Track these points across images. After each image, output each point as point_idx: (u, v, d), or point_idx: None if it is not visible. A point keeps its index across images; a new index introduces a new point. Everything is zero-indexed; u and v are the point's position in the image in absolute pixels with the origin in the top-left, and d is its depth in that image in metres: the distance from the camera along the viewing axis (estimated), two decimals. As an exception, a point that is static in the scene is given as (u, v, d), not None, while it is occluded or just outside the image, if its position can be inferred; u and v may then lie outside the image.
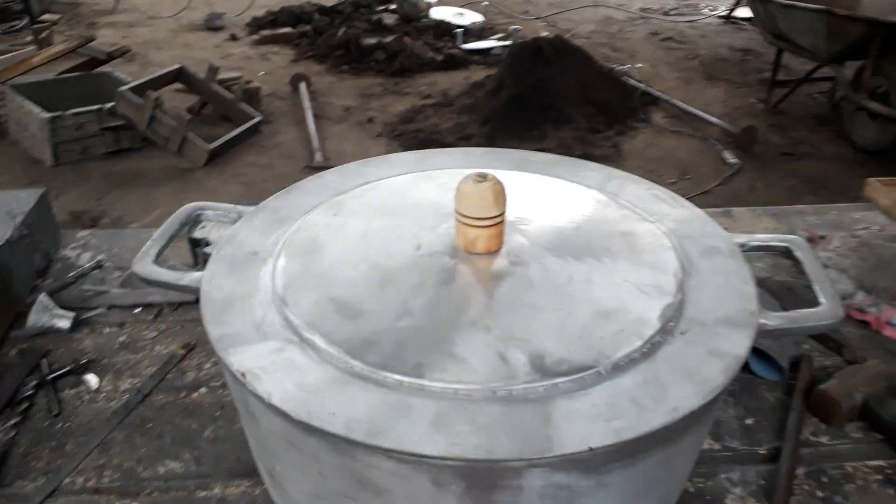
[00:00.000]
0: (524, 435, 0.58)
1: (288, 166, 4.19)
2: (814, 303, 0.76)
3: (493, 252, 0.77)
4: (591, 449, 0.57)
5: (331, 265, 0.78)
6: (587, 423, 0.59)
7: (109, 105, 4.04)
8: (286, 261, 0.78)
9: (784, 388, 1.00)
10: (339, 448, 0.61)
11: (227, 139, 4.18)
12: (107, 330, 1.10)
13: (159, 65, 5.27)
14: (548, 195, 0.91)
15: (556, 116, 4.29)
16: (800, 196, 3.66)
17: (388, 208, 0.88)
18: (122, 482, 0.86)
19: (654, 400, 0.61)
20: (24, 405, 0.95)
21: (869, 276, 1.11)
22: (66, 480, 0.86)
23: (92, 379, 1.00)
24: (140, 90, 4.06)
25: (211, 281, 0.76)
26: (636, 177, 0.97)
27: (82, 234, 1.34)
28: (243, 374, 0.63)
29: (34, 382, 0.98)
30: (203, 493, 0.85)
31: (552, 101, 4.35)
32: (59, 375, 1.00)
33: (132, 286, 1.20)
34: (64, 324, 1.07)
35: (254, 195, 3.59)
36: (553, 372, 0.63)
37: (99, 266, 1.24)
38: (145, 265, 0.81)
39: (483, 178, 0.75)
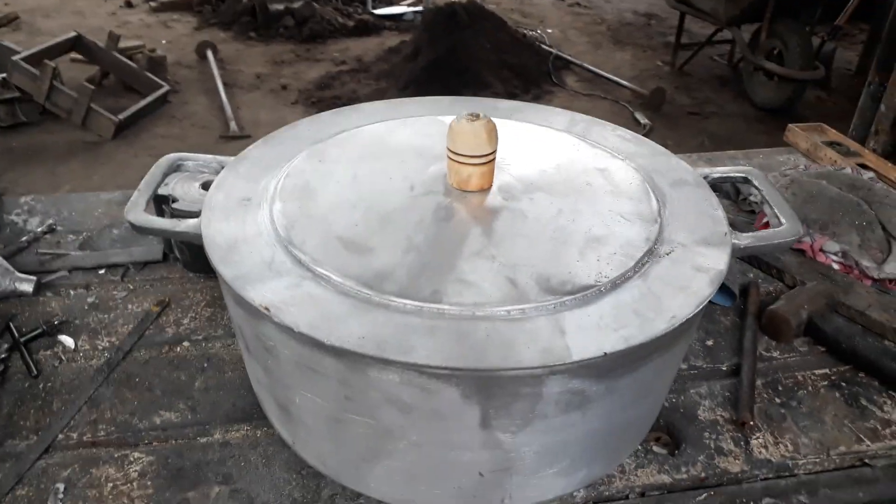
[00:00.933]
0: (544, 346, 0.63)
1: (201, 136, 4.05)
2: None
3: (485, 189, 0.81)
4: (605, 354, 0.63)
5: (328, 207, 0.79)
6: (598, 332, 0.64)
7: (1, 76, 3.78)
8: (282, 205, 0.79)
9: (737, 311, 1.10)
10: (368, 369, 0.64)
11: (135, 110, 4.00)
12: (73, 292, 1.08)
13: (49, 33, 4.95)
14: (523, 138, 0.95)
15: (474, 81, 4.33)
16: (708, 152, 3.88)
17: (371, 154, 0.90)
18: (119, 434, 0.86)
19: (654, 311, 0.67)
20: (0, 368, 0.92)
21: (801, 209, 1.22)
22: (60, 437, 0.85)
23: (67, 339, 0.98)
24: (35, 60, 3.82)
25: (210, 226, 0.77)
26: (599, 120, 1.03)
27: (25, 199, 1.29)
28: (267, 308, 0.65)
29: (6, 346, 0.95)
30: (204, 440, 0.86)
31: (469, 65, 4.39)
32: (31, 338, 0.97)
33: (91, 248, 1.16)
34: (27, 287, 1.04)
35: (170, 167, 3.47)
36: (559, 291, 0.68)
37: (52, 230, 1.20)
38: (138, 214, 0.80)
39: (476, 116, 0.78)
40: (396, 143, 0.92)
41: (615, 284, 0.70)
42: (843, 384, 0.99)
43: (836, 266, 1.18)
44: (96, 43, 4.33)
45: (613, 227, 0.78)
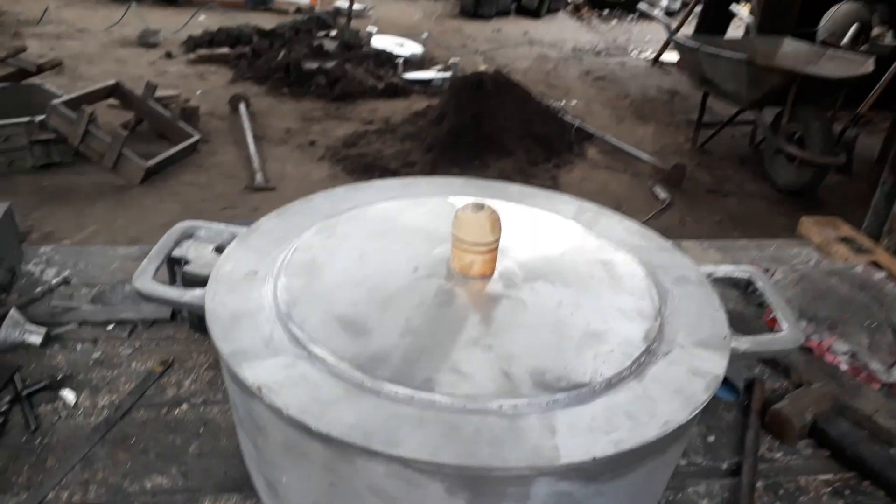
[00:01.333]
0: (533, 445, 0.62)
1: (227, 187, 4.14)
2: (763, 329, 0.84)
3: (487, 276, 0.82)
4: (594, 459, 0.62)
5: (332, 285, 0.81)
6: (589, 435, 0.64)
7: (40, 118, 3.91)
8: (287, 280, 0.81)
9: (740, 407, 1.08)
10: (354, 458, 0.64)
11: (164, 157, 4.10)
12: (79, 346, 1.09)
13: (90, 79, 5.14)
14: (530, 224, 0.97)
15: (497, 148, 4.41)
16: (726, 231, 3.88)
17: (380, 232, 0.92)
18: (109, 497, 0.85)
19: (647, 414, 0.67)
20: (0, 420, 0.93)
21: (810, 307, 1.21)
22: (50, 495, 0.85)
23: (69, 395, 0.99)
24: (74, 104, 3.95)
25: (214, 298, 0.78)
26: (607, 209, 1.04)
27: (44, 249, 1.32)
28: (259, 388, 0.66)
29: (8, 398, 0.96)
30: (192, 509, 0.85)
31: (493, 132, 4.47)
32: (34, 391, 0.98)
33: (103, 303, 1.18)
34: (35, 339, 1.05)
35: (191, 214, 3.51)
36: (553, 387, 0.68)
37: (66, 282, 1.22)
38: (145, 282, 0.82)
39: (480, 207, 0.80)
40: (405, 223, 0.94)
41: (610, 384, 0.70)
42: (847, 492, 0.96)
43: (844, 367, 1.16)
44: (133, 91, 4.48)
45: (613, 323, 0.78)
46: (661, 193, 4.25)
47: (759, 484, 0.96)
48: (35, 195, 3.78)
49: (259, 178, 4.15)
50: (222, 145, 4.65)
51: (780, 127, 4.36)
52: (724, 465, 0.99)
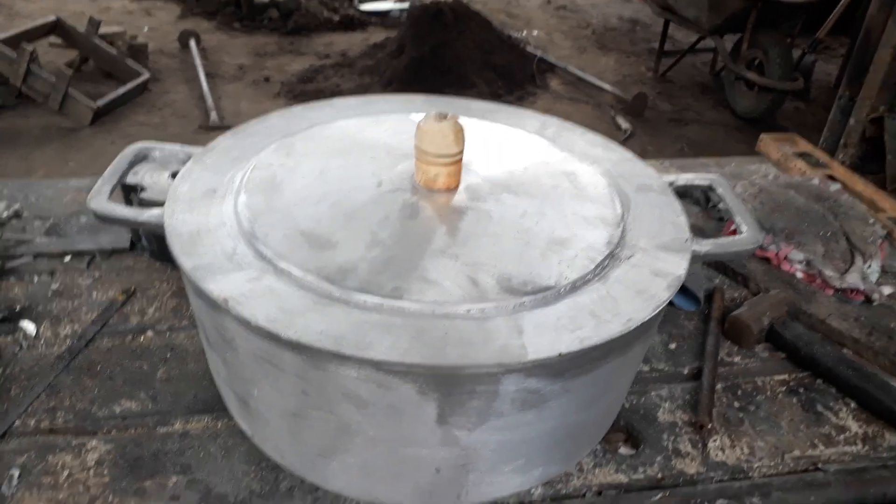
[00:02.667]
0: (501, 345, 0.63)
1: (181, 126, 4.02)
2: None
3: (452, 189, 0.82)
4: (560, 355, 0.63)
5: (293, 201, 0.79)
6: (554, 333, 0.65)
7: (-22, 58, 3.72)
8: (247, 197, 0.79)
9: (701, 316, 1.11)
10: (325, 364, 0.64)
11: (114, 97, 3.96)
12: (36, 278, 1.07)
13: (28, 16, 4.91)
14: (494, 139, 0.96)
15: (459, 81, 4.34)
16: (686, 158, 3.92)
17: (341, 149, 0.90)
18: (78, 422, 0.85)
19: (611, 313, 0.68)
20: (-42, 353, 0.91)
21: (768, 218, 1.23)
22: (17, 423, 0.84)
23: (28, 325, 0.97)
24: (12, 42, 3.76)
25: (173, 216, 0.76)
26: (570, 123, 1.04)
27: (-8, 183, 1.27)
28: (226, 301, 0.65)
29: (-35, 331, 0.94)
30: (164, 429, 0.85)
31: (454, 65, 4.40)
32: (-8, 323, 0.96)
33: (58, 235, 1.15)
34: (-10, 272, 1.03)
35: (148, 156, 3.43)
36: (519, 291, 0.69)
37: (17, 215, 1.18)
38: (101, 202, 0.79)
39: (443, 117, 0.79)
40: (366, 140, 0.93)
41: (575, 286, 0.71)
42: (801, 390, 1.01)
43: (799, 275, 1.20)
44: (76, 28, 4.28)
45: (576, 230, 0.78)
46: (623, 123, 4.26)
47: (719, 386, 0.99)
48: (-22, 139, 3.64)
49: (213, 116, 4.04)
50: (174, 84, 4.51)
51: (740, 53, 4.37)
52: (686, 371, 1.02)
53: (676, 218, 0.83)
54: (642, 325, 0.68)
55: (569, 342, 0.64)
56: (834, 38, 5.41)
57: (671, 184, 0.92)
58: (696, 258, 0.79)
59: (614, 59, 5.44)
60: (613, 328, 0.66)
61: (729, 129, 4.41)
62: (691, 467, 0.88)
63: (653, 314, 0.69)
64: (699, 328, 1.10)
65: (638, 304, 0.70)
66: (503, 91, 4.50)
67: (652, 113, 4.51)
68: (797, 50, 4.38)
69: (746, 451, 0.91)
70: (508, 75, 4.65)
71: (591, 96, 4.69)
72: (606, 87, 4.70)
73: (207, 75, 4.49)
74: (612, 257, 0.76)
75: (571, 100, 4.65)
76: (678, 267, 0.75)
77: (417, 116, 0.98)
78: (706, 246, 0.81)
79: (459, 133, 0.78)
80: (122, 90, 4.05)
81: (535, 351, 0.63)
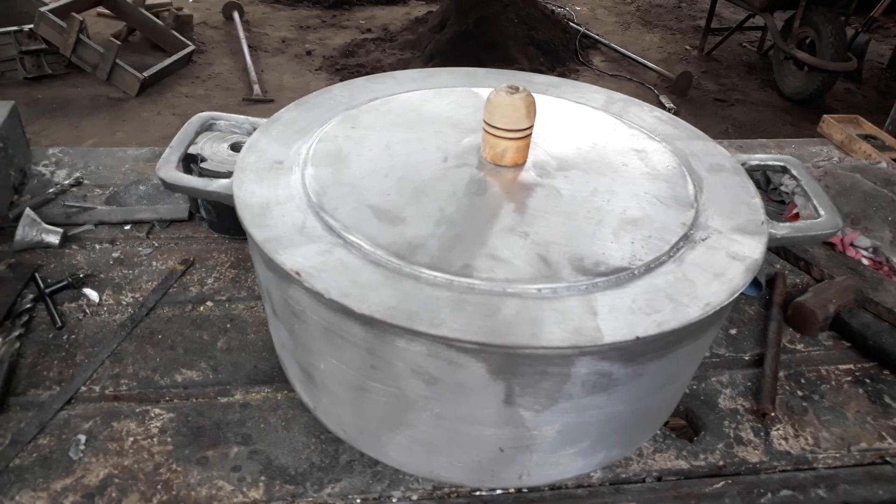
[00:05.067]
0: (575, 326, 0.62)
1: (225, 98, 4.05)
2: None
3: (520, 165, 0.80)
4: (637, 338, 0.62)
5: (360, 175, 0.79)
6: (630, 315, 0.64)
7: (28, 26, 3.78)
8: (315, 170, 0.78)
9: (762, 301, 1.08)
10: (396, 339, 0.63)
11: (160, 68, 4.00)
12: (98, 246, 1.08)
13: (78, -14, 4.94)
14: (559, 114, 0.94)
15: (501, 56, 4.29)
16: (734, 139, 3.83)
17: (405, 122, 0.89)
18: (141, 390, 0.86)
19: (688, 297, 0.66)
20: (25, 318, 0.92)
21: (833, 202, 1.19)
22: (82, 389, 0.85)
23: (92, 293, 0.98)
24: (62, 12, 3.81)
25: (241, 187, 0.76)
26: (636, 100, 1.01)
27: (53, 150, 1.29)
28: (298, 273, 0.65)
29: (31, 297, 0.95)
30: (225, 399, 0.86)
31: (496, 39, 4.34)
32: (56, 289, 0.97)
33: (117, 203, 1.16)
34: (53, 239, 1.04)
35: (191, 127, 3.46)
36: (592, 272, 0.67)
37: (78, 183, 1.20)
38: (170, 171, 0.79)
39: (515, 89, 0.77)
40: (430, 113, 0.91)
41: (649, 268, 0.69)
42: (868, 381, 0.98)
43: (865, 262, 1.16)
44: (123, -1, 4.32)
45: (649, 210, 0.76)
46: (668, 103, 4.17)
47: (781, 374, 0.97)
48: (29, 107, 3.70)
49: (256, 89, 4.05)
50: (218, 56, 4.53)
51: (791, 32, 4.24)
52: (747, 357, 1.00)
53: (751, 199, 0.81)
54: (720, 309, 0.66)
55: (646, 325, 0.63)
56: (889, 17, 5.23)
57: (744, 164, 0.89)
58: (772, 241, 0.76)
59: (659, 36, 5.33)
60: (692, 312, 0.64)
61: (776, 110, 4.30)
62: (754, 456, 0.86)
63: (731, 298, 0.67)
64: (760, 314, 1.07)
65: (715, 287, 0.68)
66: (545, 67, 4.44)
67: (697, 92, 4.42)
68: (850, 29, 4.23)
69: (811, 441, 0.88)
70: (551, 51, 4.58)
71: (634, 74, 4.60)
72: (650, 64, 4.61)
73: (250, 48, 4.51)
74: (686, 239, 0.73)
75: (614, 77, 4.57)
76: (755, 250, 0.73)
77: (480, 90, 0.97)
78: (783, 230, 0.78)
79: (531, 107, 0.77)
80: (167, 61, 4.09)
81: (612, 334, 0.61)
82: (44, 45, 3.83)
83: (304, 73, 4.41)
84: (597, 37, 4.96)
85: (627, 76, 4.58)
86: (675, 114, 4.21)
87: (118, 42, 3.83)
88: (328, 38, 4.89)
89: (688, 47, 5.14)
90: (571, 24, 5.01)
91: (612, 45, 4.87)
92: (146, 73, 3.86)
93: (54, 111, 3.69)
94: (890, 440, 0.89)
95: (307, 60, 4.57)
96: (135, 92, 3.85)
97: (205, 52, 4.54)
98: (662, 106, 4.16)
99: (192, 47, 4.31)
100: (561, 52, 4.66)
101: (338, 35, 4.96)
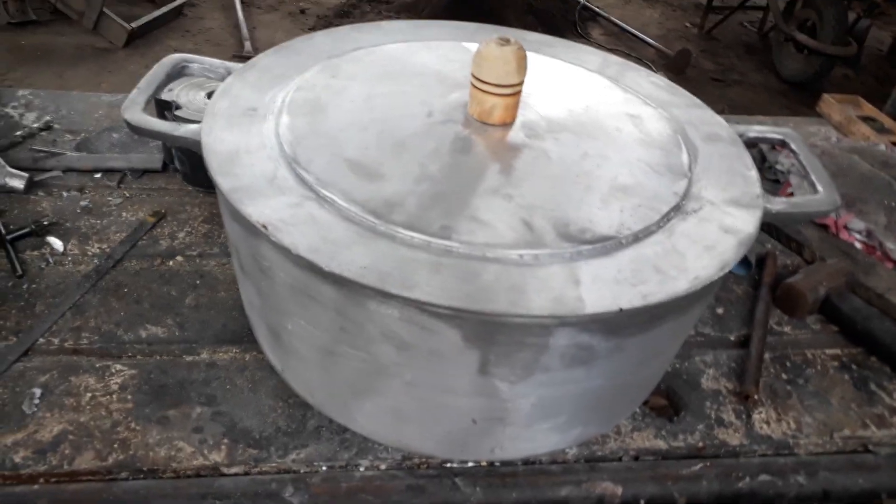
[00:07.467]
0: (556, 295, 0.58)
1: (215, 54, 3.90)
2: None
3: (508, 124, 0.76)
4: (621, 310, 0.58)
5: (339, 126, 0.74)
6: (615, 286, 0.60)
7: (13, -30, 3.66)
8: (290, 119, 0.74)
9: (751, 281, 1.05)
10: (367, 301, 0.60)
11: (149, 19, 3.88)
12: (65, 194, 1.03)
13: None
14: (552, 74, 0.90)
15: (498, 23, 4.18)
16: (740, 116, 3.79)
17: (389, 74, 0.85)
18: (102, 344, 0.82)
19: (677, 269, 0.63)
20: (-18, 264, 0.88)
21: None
22: (41, 341, 0.81)
23: (56, 242, 0.94)
24: (48, -44, 3.69)
25: (211, 133, 0.71)
26: (633, 64, 0.97)
27: (23, 92, 1.23)
28: (265, 226, 0.61)
29: (-10, 242, 0.91)
30: (190, 358, 0.82)
31: (494, 6, 4.25)
32: (18, 236, 0.93)
33: (88, 150, 1.11)
34: (18, 183, 0.99)
35: (179, 82, 3.38)
36: (577, 239, 0.64)
37: (48, 127, 1.14)
38: (135, 113, 0.75)
39: (506, 41, 0.72)
40: (416, 66, 0.87)
41: (637, 238, 0.65)
42: (854, 366, 0.95)
43: (858, 245, 1.13)
44: (112, -56, 4.18)
45: (641, 178, 0.73)
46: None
47: (767, 356, 0.95)
48: (12, 54, 3.59)
49: (247, 46, 3.95)
50: (209, 10, 4.42)
51: (793, 13, 4.18)
52: (733, 337, 0.97)
53: (747, 172, 0.77)
54: (709, 284, 0.63)
55: (630, 297, 0.59)
56: (891, 3, 5.17)
57: (741, 135, 0.85)
58: (767, 216, 0.73)
59: (659, 11, 5.25)
60: (680, 285, 0.61)
61: (773, 92, 4.26)
62: (734, 438, 0.84)
63: (721, 273, 0.63)
64: (748, 294, 1.04)
65: (706, 260, 0.64)
66: (544, 38, 4.36)
67: (694, 71, 4.36)
68: (852, 14, 4.18)
69: (793, 426, 0.86)
70: (550, 22, 4.50)
71: (633, 49, 4.53)
72: (649, 40, 4.54)
73: (243, 3, 4.39)
74: (678, 209, 0.70)
75: (612, 51, 4.49)
76: (749, 224, 0.69)
77: (470, 44, 0.92)
78: (779, 204, 0.74)
79: (522, 61, 0.72)
80: (157, 13, 3.98)
81: (594, 304, 0.58)
82: (28, -11, 3.71)
83: (296, 31, 4.31)
84: (597, 9, 4.87)
85: (626, 51, 4.50)
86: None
87: (105, -11, 3.71)
88: (323, -2, 4.78)
89: (688, 24, 5.06)
90: (572, -6, 4.92)
91: (612, 18, 4.79)
92: (134, 24, 3.76)
93: (38, 59, 3.58)
94: (873, 428, 0.87)
95: (300, 19, 4.46)
96: (122, 43, 3.74)
97: (196, 6, 4.42)
98: (659, 83, 4.09)
99: (182, -1, 4.20)
100: (559, 24, 4.57)
101: (333, -6, 4.85)
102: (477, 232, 0.63)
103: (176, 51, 3.90)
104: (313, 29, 4.34)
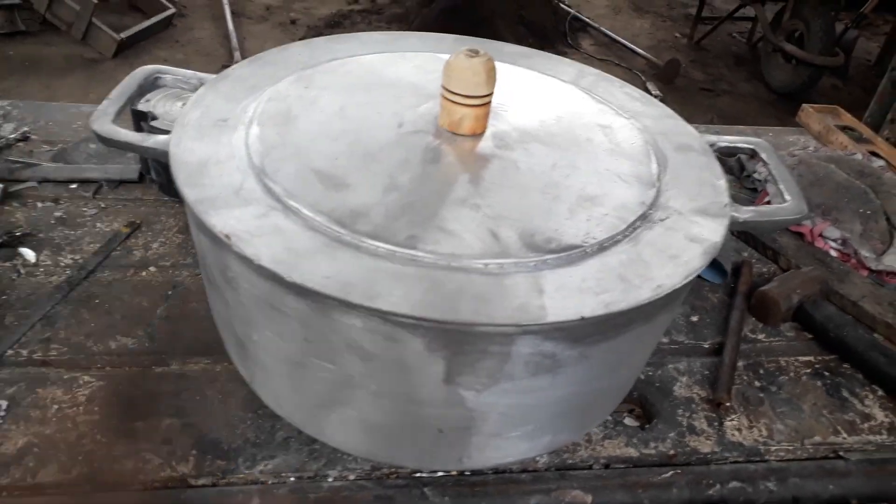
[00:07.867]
0: (520, 303, 0.59)
1: (204, 65, 3.95)
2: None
3: (478, 134, 0.76)
4: (583, 318, 0.59)
5: (309, 137, 0.74)
6: (578, 295, 0.60)
7: (3, -20, 3.66)
8: (260, 129, 0.74)
9: (726, 290, 1.06)
10: (330, 312, 0.60)
11: (138, 29, 3.89)
12: (40, 204, 1.03)
13: (57, -58, 4.79)
14: (525, 85, 0.90)
15: (489, 35, 4.17)
16: (721, 125, 3.81)
17: (363, 85, 0.85)
18: (72, 356, 0.82)
19: (640, 277, 0.63)
20: (-46, 275, 0.88)
21: (805, 192, 1.17)
22: (9, 352, 0.81)
23: (28, 252, 0.94)
24: (38, -33, 3.69)
25: (180, 144, 0.72)
26: (608, 75, 0.97)
27: (2, 103, 1.23)
28: (228, 236, 0.61)
29: (-38, 252, 0.91)
30: (160, 369, 0.82)
31: (485, 17, 4.28)
32: (-10, 247, 0.93)
33: (65, 161, 1.11)
34: (-9, 194, 0.99)
35: (168, 92, 3.37)
36: (543, 248, 0.64)
37: (25, 138, 1.14)
38: (104, 124, 0.75)
39: (475, 53, 0.73)
40: (390, 77, 0.87)
41: (602, 247, 0.66)
42: (827, 373, 0.96)
43: (834, 253, 1.14)
44: (102, -44, 4.19)
45: (608, 188, 0.73)
46: (654, 90, 4.13)
47: (740, 363, 0.95)
48: (1, 64, 3.59)
49: (237, 56, 3.95)
50: (199, 20, 4.42)
51: (781, 24, 4.21)
52: (706, 345, 0.97)
53: (716, 181, 0.78)
54: (673, 292, 0.63)
55: (593, 305, 0.59)
56: (879, 14, 5.22)
57: (713, 145, 0.85)
58: (734, 225, 0.73)
59: (649, 22, 5.28)
60: (642, 294, 0.61)
61: (762, 102, 4.28)
62: (706, 446, 0.84)
63: (685, 281, 0.64)
64: (723, 302, 1.05)
65: (670, 269, 0.64)
66: (534, 47, 4.36)
67: (684, 81, 4.39)
68: (840, 24, 4.21)
69: (765, 433, 0.86)
70: (540, 32, 4.52)
71: (623, 59, 4.55)
72: (639, 51, 4.56)
73: (233, 14, 4.40)
74: (644, 218, 0.70)
75: (603, 61, 4.51)
76: (715, 233, 0.70)
77: (446, 55, 0.93)
78: (746, 213, 0.75)
79: (491, 72, 0.73)
80: (146, 23, 3.98)
81: (556, 313, 0.58)
82: (18, 1, 3.71)
83: (286, 42, 4.31)
84: (587, 20, 4.90)
85: (616, 61, 4.53)
86: (661, 101, 4.18)
87: (95, 0, 3.71)
88: (314, 8, 4.79)
89: (677, 35, 5.09)
90: (562, 5, 4.94)
91: (602, 28, 4.82)
92: (123, 35, 3.76)
93: (27, 69, 3.58)
94: (844, 434, 0.87)
95: (291, 30, 4.47)
96: (111, 53, 3.74)
97: (186, 16, 4.43)
98: (649, 92, 4.11)
99: (172, 10, 4.20)
100: (550, 34, 4.60)
101: (324, 5, 4.86)
102: (443, 242, 0.63)
103: (165, 61, 3.90)
104: (303, 40, 4.35)
